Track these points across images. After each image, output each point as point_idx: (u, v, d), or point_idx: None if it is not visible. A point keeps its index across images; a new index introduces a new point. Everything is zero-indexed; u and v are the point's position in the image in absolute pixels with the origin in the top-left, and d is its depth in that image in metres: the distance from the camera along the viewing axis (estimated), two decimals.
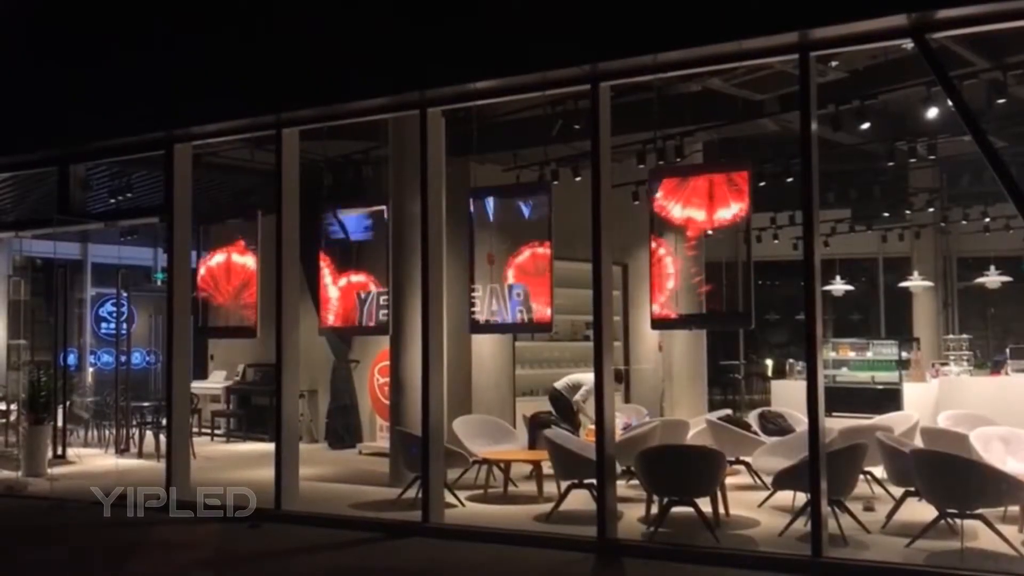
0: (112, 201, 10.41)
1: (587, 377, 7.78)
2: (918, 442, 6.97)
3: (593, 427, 6.21)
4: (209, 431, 12.07)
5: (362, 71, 6.53)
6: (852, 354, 9.86)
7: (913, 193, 12.13)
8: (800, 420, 7.66)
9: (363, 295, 6.81)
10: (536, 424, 8.24)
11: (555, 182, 8.62)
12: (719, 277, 5.64)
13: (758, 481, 7.35)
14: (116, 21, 7.84)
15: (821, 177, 5.54)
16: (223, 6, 7.28)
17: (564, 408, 8.51)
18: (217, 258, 7.34)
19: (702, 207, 5.69)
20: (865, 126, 7.63)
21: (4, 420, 9.84)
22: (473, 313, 6.35)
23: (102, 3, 8.03)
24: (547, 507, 6.76)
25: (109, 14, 7.89)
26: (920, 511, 5.83)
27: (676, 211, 5.78)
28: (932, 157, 9.53)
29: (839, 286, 12.76)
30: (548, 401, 8.77)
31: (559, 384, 8.64)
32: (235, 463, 9.59)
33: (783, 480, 6.07)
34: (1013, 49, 6.59)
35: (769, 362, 12.50)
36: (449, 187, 6.73)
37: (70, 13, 8.20)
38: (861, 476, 6.42)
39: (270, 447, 7.33)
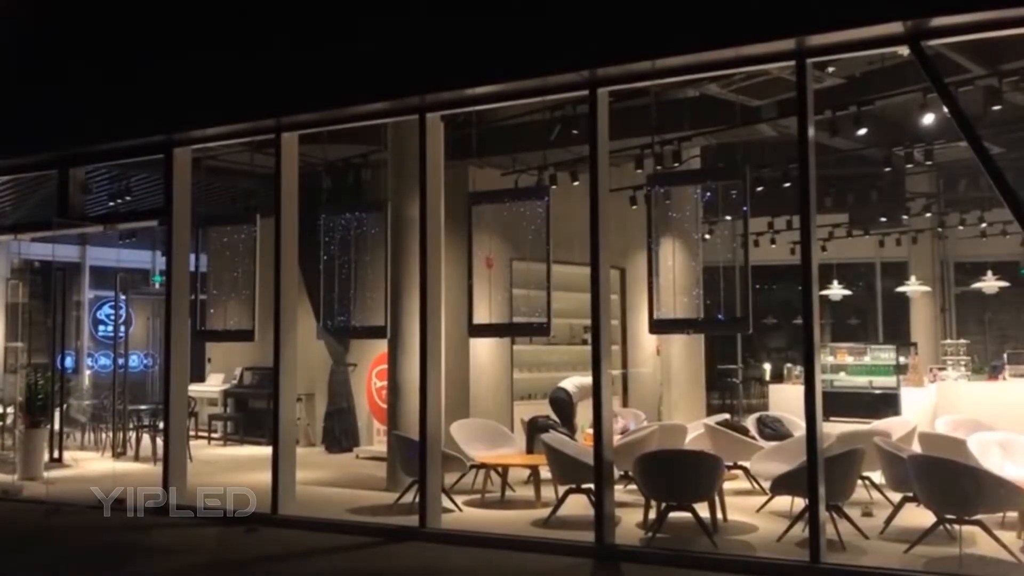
0: (111, 204, 10.41)
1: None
2: (916, 447, 6.96)
3: (591, 431, 6.21)
4: (206, 434, 12.06)
5: (362, 76, 6.54)
6: (850, 359, 9.87)
7: (910, 198, 12.16)
8: (798, 425, 7.67)
9: None
10: (534, 428, 8.23)
11: (553, 186, 8.64)
12: (716, 281, 5.66)
13: (756, 486, 7.35)
14: (116, 24, 7.86)
15: (819, 182, 5.55)
16: (223, 10, 7.29)
17: (564, 411, 8.49)
18: None
19: None
20: (862, 132, 7.65)
21: (1, 423, 9.82)
22: None
23: (102, 7, 8.04)
24: (545, 512, 6.76)
25: (109, 17, 7.90)
26: (918, 516, 5.83)
27: None
28: (929, 162, 9.57)
29: (837, 291, 12.78)
30: (548, 404, 8.76)
31: (566, 384, 8.62)
32: (232, 467, 9.57)
33: (781, 485, 6.07)
34: (1008, 56, 6.62)
35: (767, 366, 12.49)
36: (448, 191, 6.74)
37: (70, 17, 8.21)
38: (859, 481, 6.41)
39: (267, 451, 7.32)
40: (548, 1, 5.91)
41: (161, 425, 8.45)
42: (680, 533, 5.97)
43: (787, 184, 9.33)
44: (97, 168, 9.27)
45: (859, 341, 11.79)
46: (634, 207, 9.35)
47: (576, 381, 8.59)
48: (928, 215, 12.55)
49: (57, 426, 9.73)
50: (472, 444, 7.81)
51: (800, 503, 5.93)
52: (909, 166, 9.84)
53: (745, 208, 5.63)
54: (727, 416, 8.66)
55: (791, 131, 5.89)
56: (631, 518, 6.48)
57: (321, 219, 7.15)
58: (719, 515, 6.26)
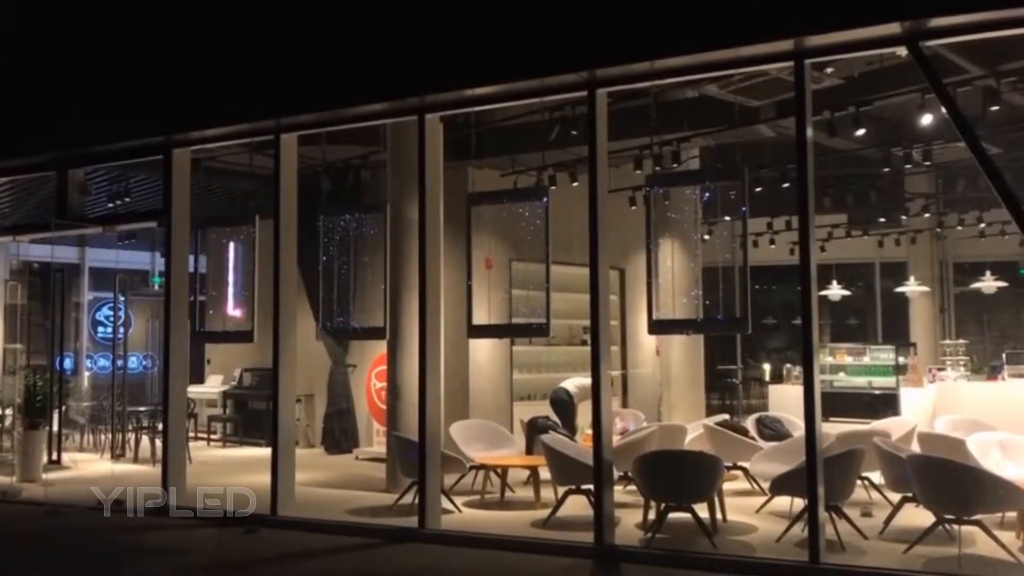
0: (110, 205, 10.41)
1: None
2: (915, 447, 6.97)
3: (590, 432, 6.22)
4: (205, 436, 12.05)
5: (361, 77, 6.55)
6: (849, 359, 9.88)
7: (909, 198, 12.16)
8: (797, 425, 7.67)
9: None
10: (533, 429, 8.24)
11: (553, 187, 8.64)
12: (716, 282, 5.67)
13: (756, 486, 7.35)
14: (116, 25, 7.86)
15: (817, 182, 5.56)
16: (222, 11, 7.29)
17: (565, 411, 8.49)
18: None
19: None
20: (861, 132, 7.66)
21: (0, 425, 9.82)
22: None
23: (102, 7, 8.04)
24: (544, 513, 6.76)
25: (109, 18, 7.90)
26: (918, 517, 5.83)
27: None
28: (928, 163, 9.57)
29: (836, 291, 12.78)
30: (548, 405, 8.76)
31: (567, 384, 8.61)
32: (231, 468, 9.56)
33: (780, 485, 6.07)
34: (1006, 56, 6.63)
35: (766, 367, 12.49)
36: (447, 192, 6.74)
37: (70, 17, 8.21)
38: (859, 481, 6.41)
39: (266, 452, 7.32)
40: (547, 1, 5.92)
41: (160, 426, 8.44)
42: (680, 534, 5.97)
43: (786, 184, 9.33)
44: (96, 169, 9.27)
45: (858, 341, 11.80)
46: (633, 208, 9.35)
47: (577, 382, 8.59)
48: (927, 215, 12.55)
49: (56, 428, 9.73)
50: (471, 445, 7.81)
51: (799, 503, 5.93)
52: (908, 166, 9.84)
53: (744, 208, 5.64)
54: (726, 416, 8.66)
55: (790, 132, 5.90)
56: (630, 519, 6.48)
57: (320, 220, 7.16)
58: (719, 515, 6.26)
